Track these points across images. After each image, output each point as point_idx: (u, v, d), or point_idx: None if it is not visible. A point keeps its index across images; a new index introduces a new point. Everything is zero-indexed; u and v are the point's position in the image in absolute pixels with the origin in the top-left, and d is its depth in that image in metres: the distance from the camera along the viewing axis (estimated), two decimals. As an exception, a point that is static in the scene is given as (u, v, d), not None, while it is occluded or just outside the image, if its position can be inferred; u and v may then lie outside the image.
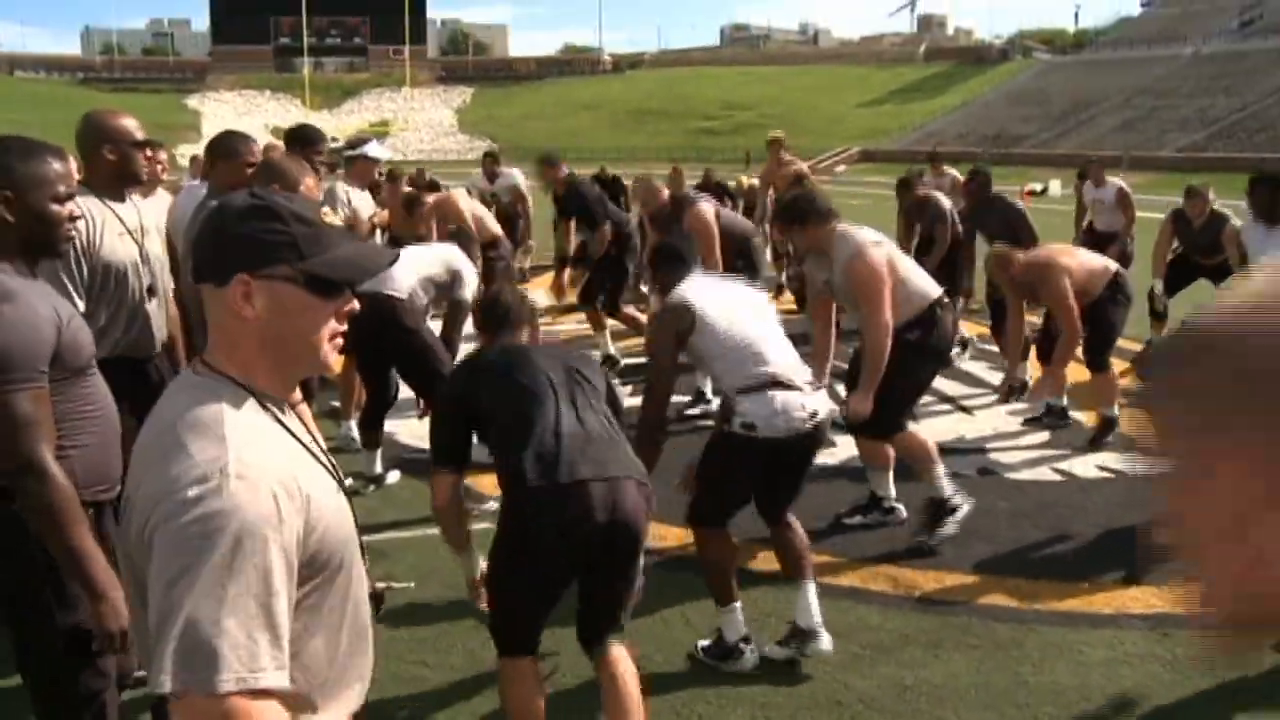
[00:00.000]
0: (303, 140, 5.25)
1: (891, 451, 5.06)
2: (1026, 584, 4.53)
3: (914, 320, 4.78)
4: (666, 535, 4.83)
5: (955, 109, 70.16)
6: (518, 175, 12.49)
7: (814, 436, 3.79)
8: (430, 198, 8.31)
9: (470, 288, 5.88)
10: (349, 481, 2.26)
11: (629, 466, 3.01)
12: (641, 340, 7.27)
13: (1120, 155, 50.90)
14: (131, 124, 3.52)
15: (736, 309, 3.91)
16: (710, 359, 3.87)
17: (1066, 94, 65.16)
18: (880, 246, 4.79)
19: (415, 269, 5.63)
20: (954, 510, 4.85)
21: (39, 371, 2.29)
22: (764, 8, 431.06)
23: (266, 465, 1.37)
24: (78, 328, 2.45)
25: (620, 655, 3.09)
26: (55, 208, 2.47)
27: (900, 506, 5.18)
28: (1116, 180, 10.14)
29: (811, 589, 3.87)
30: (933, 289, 4.92)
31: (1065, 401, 6.89)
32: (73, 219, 2.54)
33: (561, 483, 2.85)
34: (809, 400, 3.75)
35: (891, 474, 5.17)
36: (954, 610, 4.29)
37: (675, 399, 4.62)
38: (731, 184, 14.38)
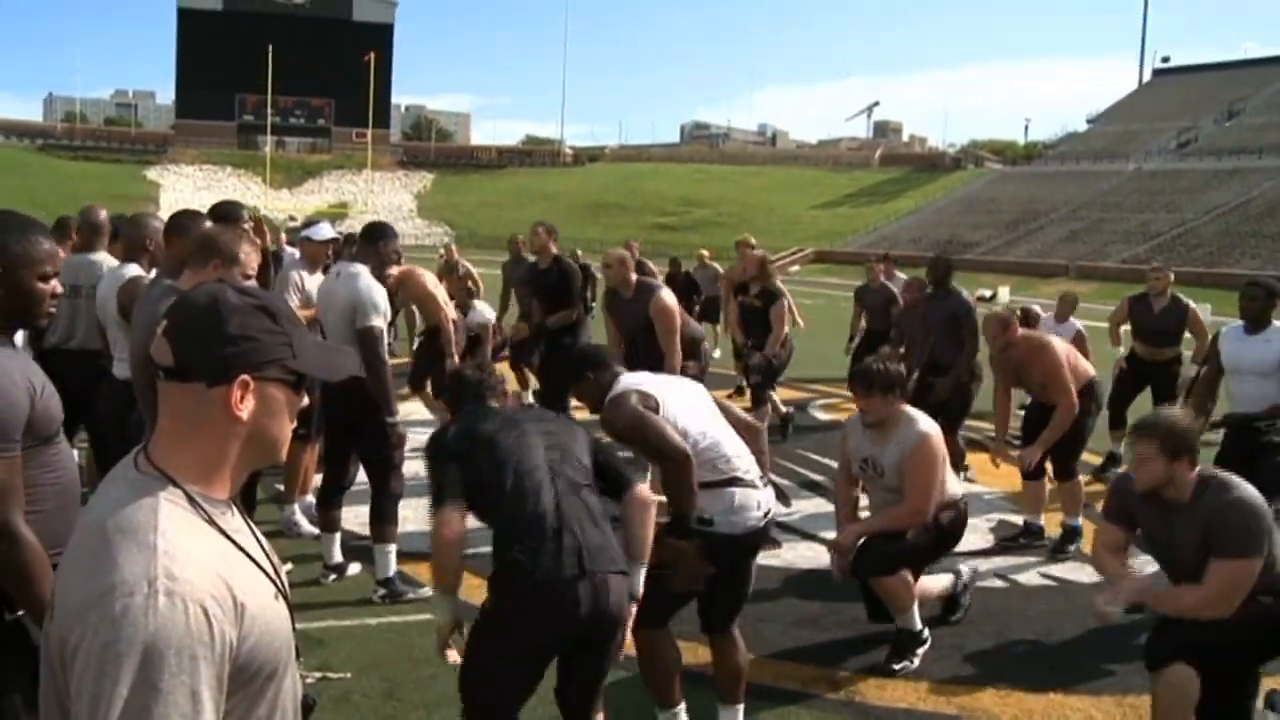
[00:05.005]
0: (224, 217, 5.24)
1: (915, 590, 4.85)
2: (965, 690, 4.53)
3: (943, 506, 4.79)
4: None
5: (908, 214, 71.77)
6: (487, 311, 11.59)
7: (764, 533, 3.79)
8: (394, 270, 8.25)
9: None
10: (287, 566, 2.22)
11: (615, 560, 3.10)
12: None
13: (1067, 264, 52.25)
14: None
15: (692, 403, 3.80)
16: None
17: (1016, 203, 67.03)
18: (939, 443, 4.76)
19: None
20: (924, 642, 4.80)
21: (13, 440, 2.36)
22: (725, 109, 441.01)
23: (197, 578, 1.31)
24: (49, 396, 2.50)
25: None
26: (41, 285, 2.55)
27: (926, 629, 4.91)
28: (1078, 323, 9.99)
29: (739, 716, 3.84)
30: (959, 488, 4.95)
31: (1042, 521, 6.80)
32: (54, 296, 2.61)
33: (553, 580, 2.96)
34: (764, 497, 3.75)
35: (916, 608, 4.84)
36: (893, 716, 4.28)
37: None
38: (693, 265, 14.69)
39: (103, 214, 5.92)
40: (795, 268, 58.79)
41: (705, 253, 15.32)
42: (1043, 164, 79.91)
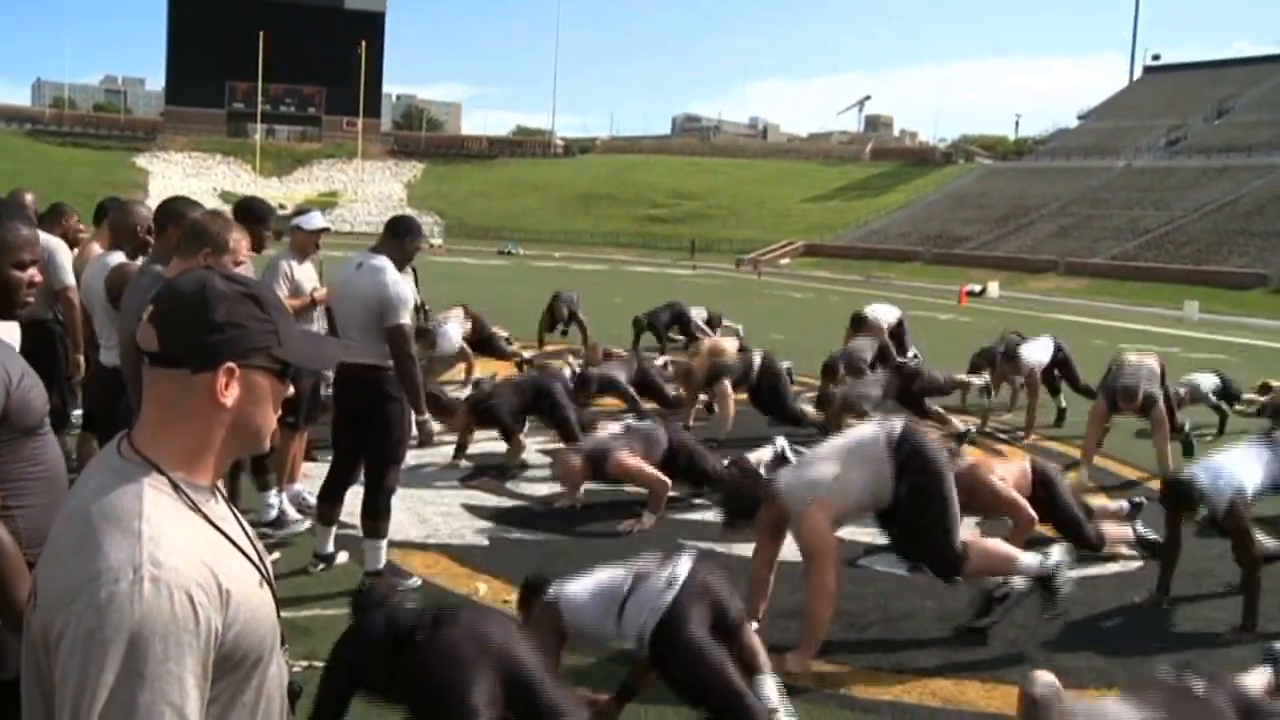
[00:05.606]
0: (250, 216, 5.24)
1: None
2: (951, 684, 4.54)
3: (900, 467, 4.74)
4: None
5: (899, 208, 71.94)
6: (453, 333, 11.11)
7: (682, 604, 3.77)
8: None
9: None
10: (274, 555, 2.21)
11: None
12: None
13: (1056, 260, 52.41)
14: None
15: (597, 575, 4.03)
16: (600, 621, 3.85)
17: (1006, 198, 67.24)
18: (827, 498, 4.73)
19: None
20: (1061, 582, 4.80)
21: None
22: (717, 101, 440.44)
23: (182, 565, 1.31)
24: (29, 387, 2.41)
25: None
26: (16, 274, 2.47)
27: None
28: (1043, 339, 11.12)
29: (770, 682, 3.90)
30: (884, 441, 4.80)
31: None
32: (32, 285, 2.53)
33: None
34: (667, 574, 3.82)
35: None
36: (879, 709, 4.29)
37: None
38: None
39: (29, 196, 6.19)
40: (785, 261, 58.82)
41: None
42: (1033, 160, 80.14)
